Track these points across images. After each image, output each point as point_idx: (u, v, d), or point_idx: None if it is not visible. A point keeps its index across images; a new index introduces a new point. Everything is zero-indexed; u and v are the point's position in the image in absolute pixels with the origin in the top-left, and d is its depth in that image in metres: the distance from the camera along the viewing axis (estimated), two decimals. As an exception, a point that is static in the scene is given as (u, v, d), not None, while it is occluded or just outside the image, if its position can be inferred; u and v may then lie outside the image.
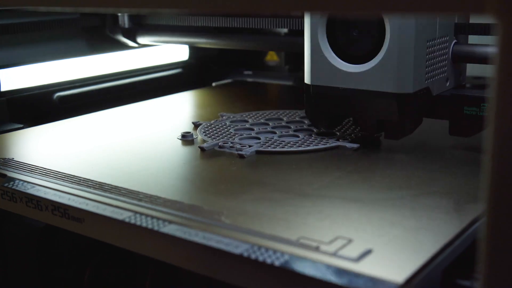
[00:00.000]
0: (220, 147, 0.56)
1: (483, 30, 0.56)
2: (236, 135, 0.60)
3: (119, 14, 0.86)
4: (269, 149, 0.55)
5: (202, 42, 0.86)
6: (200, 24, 0.80)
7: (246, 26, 0.76)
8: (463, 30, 0.57)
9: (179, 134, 0.60)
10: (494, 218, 0.23)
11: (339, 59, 0.54)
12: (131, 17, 0.87)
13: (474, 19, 0.58)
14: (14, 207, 0.48)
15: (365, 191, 0.45)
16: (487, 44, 0.56)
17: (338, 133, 0.60)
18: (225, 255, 0.35)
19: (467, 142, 0.57)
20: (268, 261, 0.34)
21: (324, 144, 0.56)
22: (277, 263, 0.33)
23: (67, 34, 0.83)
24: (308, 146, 0.55)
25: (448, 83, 0.57)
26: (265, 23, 0.75)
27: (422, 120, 0.55)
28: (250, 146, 0.55)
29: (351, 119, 0.62)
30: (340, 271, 0.32)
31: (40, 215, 0.46)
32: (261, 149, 0.55)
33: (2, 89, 0.71)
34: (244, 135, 0.60)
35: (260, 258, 0.34)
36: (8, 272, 0.58)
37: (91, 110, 0.73)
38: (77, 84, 0.79)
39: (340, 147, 0.55)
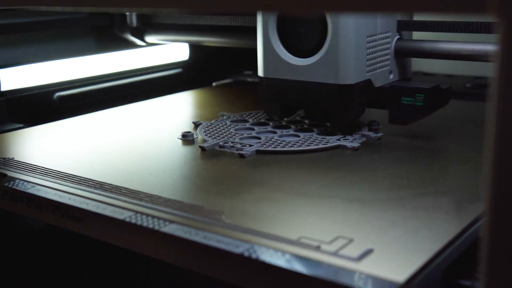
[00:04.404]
0: (220, 146, 0.56)
1: (426, 27, 0.61)
2: (237, 135, 0.59)
3: (127, 13, 0.86)
4: (270, 148, 0.55)
5: (208, 40, 0.86)
6: (206, 23, 0.81)
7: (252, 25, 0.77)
8: (406, 26, 0.61)
9: (179, 134, 0.60)
10: (495, 218, 0.23)
11: (287, 53, 0.59)
12: (139, 16, 0.88)
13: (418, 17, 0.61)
14: (14, 207, 0.48)
15: (365, 191, 0.45)
16: (428, 40, 0.60)
17: (292, 126, 0.63)
18: (225, 255, 0.35)
19: (467, 143, 0.57)
20: (269, 260, 0.34)
21: (324, 144, 0.56)
22: (277, 263, 0.33)
23: (74, 33, 0.84)
24: (308, 146, 0.55)
25: (392, 76, 0.61)
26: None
27: (365, 110, 0.59)
28: (250, 145, 0.55)
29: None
30: (341, 271, 0.32)
31: (40, 215, 0.46)
32: (261, 148, 0.55)
33: (2, 89, 0.71)
34: (245, 135, 0.59)
35: (261, 258, 0.34)
36: (8, 272, 0.58)
37: (91, 110, 0.73)
38: (77, 84, 0.79)
39: (340, 147, 0.55)
